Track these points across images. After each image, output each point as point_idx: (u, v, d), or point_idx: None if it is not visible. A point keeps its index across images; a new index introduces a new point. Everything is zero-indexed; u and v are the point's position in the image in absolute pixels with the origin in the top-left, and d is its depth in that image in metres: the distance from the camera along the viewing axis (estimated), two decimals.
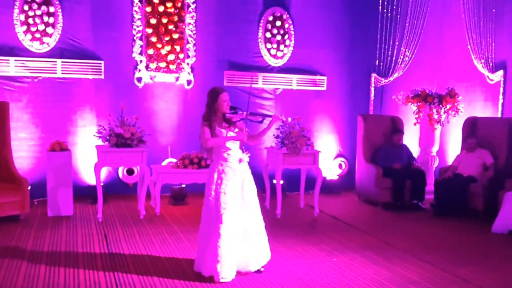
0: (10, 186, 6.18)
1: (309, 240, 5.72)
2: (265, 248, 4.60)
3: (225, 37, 8.09)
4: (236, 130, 4.50)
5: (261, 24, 8.26)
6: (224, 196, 4.36)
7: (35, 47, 7.12)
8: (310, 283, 4.37)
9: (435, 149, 8.63)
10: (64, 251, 5.11)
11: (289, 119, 4.78)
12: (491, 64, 8.58)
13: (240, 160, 4.46)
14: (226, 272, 4.29)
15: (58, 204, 6.48)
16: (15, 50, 7.05)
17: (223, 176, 4.41)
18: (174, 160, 7.22)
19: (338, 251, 5.33)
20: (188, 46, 7.86)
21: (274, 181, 6.99)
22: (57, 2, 7.15)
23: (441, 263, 5.00)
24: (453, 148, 8.78)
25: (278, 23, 8.32)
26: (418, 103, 8.30)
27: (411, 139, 8.63)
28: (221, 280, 4.26)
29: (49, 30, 7.14)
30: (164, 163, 7.53)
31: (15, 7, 6.98)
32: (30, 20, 7.04)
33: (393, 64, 8.86)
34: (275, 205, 6.83)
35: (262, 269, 4.55)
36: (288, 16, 8.39)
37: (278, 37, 8.35)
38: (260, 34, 8.28)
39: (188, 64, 7.88)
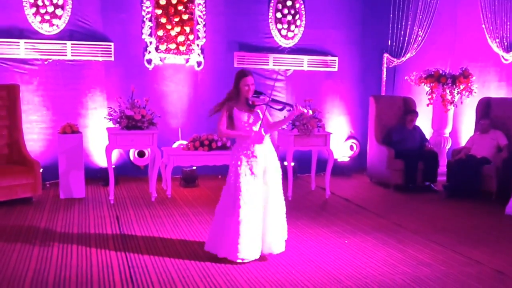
0: (22, 168, 6.21)
1: (320, 222, 5.70)
2: (284, 228, 4.60)
3: (235, 18, 8.00)
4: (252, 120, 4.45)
5: (271, 4, 8.14)
6: (244, 177, 4.34)
7: (45, 29, 7.10)
8: (322, 265, 4.36)
9: (448, 130, 8.53)
10: (77, 233, 5.14)
11: (311, 112, 4.66)
12: (506, 43, 8.43)
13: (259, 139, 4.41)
14: (246, 252, 4.30)
15: (70, 187, 6.51)
16: (25, 32, 7.03)
17: (243, 158, 4.39)
18: (185, 142, 7.21)
19: (350, 233, 5.31)
20: (198, 27, 7.78)
21: (285, 163, 6.96)
22: None
23: (454, 245, 4.96)
24: (467, 129, 8.67)
25: (289, 3, 8.20)
26: (431, 84, 8.18)
27: (423, 120, 8.53)
28: (240, 260, 4.28)
29: (59, 12, 7.10)
30: (175, 145, 7.53)
31: None
32: (39, 2, 7.00)
33: (405, 44, 8.72)
34: (286, 187, 6.79)
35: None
36: None
37: (289, 17, 8.24)
38: (270, 14, 8.17)
39: (198, 45, 7.81)
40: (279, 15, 8.19)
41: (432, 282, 4.03)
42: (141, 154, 7.74)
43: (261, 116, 4.45)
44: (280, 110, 4.51)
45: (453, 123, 8.58)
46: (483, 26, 8.44)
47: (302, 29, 8.35)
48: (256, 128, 4.43)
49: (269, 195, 4.44)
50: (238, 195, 4.32)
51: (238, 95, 4.43)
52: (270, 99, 4.40)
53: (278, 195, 4.50)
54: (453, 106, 8.28)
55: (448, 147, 8.56)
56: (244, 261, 4.31)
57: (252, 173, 4.37)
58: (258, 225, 4.36)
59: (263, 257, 4.46)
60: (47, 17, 7.06)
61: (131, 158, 7.75)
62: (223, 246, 4.36)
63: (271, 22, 8.19)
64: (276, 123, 4.69)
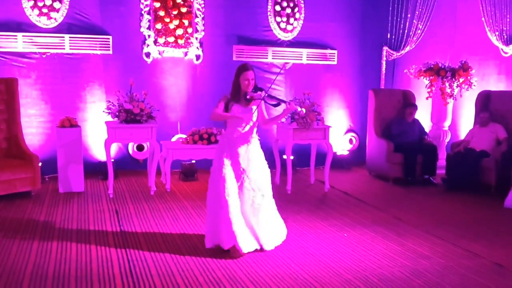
0: (21, 162, 6.20)
1: (319, 215, 5.70)
2: (277, 228, 4.62)
3: (234, 11, 7.96)
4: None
5: None
6: (226, 169, 4.37)
7: (43, 22, 7.06)
8: (321, 258, 4.37)
9: (447, 123, 8.51)
10: (76, 227, 5.14)
11: (304, 110, 4.68)
12: (505, 36, 8.40)
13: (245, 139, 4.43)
14: (243, 242, 4.34)
15: (69, 180, 6.50)
16: (23, 26, 6.99)
17: (226, 151, 4.43)
18: (184, 136, 7.20)
19: (349, 226, 5.32)
20: (196, 20, 7.75)
21: (284, 157, 6.95)
22: None
23: (453, 238, 4.97)
24: (466, 122, 8.66)
25: None
26: (431, 77, 8.15)
27: (423, 114, 8.51)
28: (245, 251, 4.34)
29: (56, 5, 7.06)
30: (174, 139, 7.51)
31: None
32: None
33: (405, 37, 8.68)
34: (286, 181, 6.81)
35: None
36: None
37: (288, 10, 8.20)
38: (269, 7, 8.13)
39: (196, 38, 7.78)
40: (278, 8, 8.15)
41: (431, 275, 4.04)
42: (140, 148, 7.73)
43: (254, 112, 4.44)
44: (275, 106, 4.50)
45: (453, 116, 8.56)
46: (483, 19, 8.41)
47: (301, 22, 8.32)
48: (246, 128, 4.45)
49: (253, 189, 4.43)
50: (223, 188, 4.35)
51: (238, 88, 4.43)
52: (266, 94, 4.40)
53: (262, 191, 4.49)
54: (453, 99, 8.26)
55: (447, 140, 8.55)
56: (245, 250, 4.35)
57: (233, 169, 4.40)
58: (240, 218, 4.38)
59: (260, 250, 4.50)
60: (45, 10, 7.02)
61: (130, 152, 7.74)
62: (225, 237, 4.37)
63: (270, 15, 8.16)
64: (271, 120, 4.72)
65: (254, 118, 4.48)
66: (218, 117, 4.44)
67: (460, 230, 5.29)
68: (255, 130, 4.55)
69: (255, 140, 4.53)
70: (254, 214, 4.45)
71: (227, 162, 4.40)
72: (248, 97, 4.39)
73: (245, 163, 4.44)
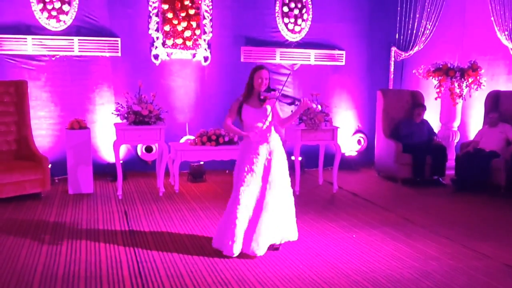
0: (31, 164, 6.25)
1: (328, 216, 5.70)
2: (292, 227, 4.62)
3: (242, 12, 7.98)
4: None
5: None
6: (246, 173, 4.38)
7: (52, 25, 7.12)
8: (330, 259, 4.36)
9: (456, 124, 8.47)
10: (85, 228, 5.17)
11: (319, 106, 4.65)
12: None
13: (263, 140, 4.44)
14: (237, 248, 4.34)
15: (78, 182, 6.55)
16: (32, 29, 7.06)
17: (248, 153, 4.43)
18: (192, 137, 7.22)
19: (358, 227, 5.30)
20: (204, 22, 7.77)
21: (292, 158, 6.95)
22: None
23: (462, 239, 4.94)
24: (475, 122, 8.60)
25: None
26: (439, 77, 8.11)
27: (432, 114, 8.48)
28: (234, 255, 4.33)
29: (65, 7, 7.12)
30: (182, 140, 7.54)
31: None
32: None
33: (413, 38, 8.66)
34: (294, 182, 6.77)
35: (279, 247, 4.55)
36: None
37: (296, 11, 8.21)
38: (277, 8, 8.14)
39: (204, 40, 7.80)
40: (285, 9, 8.16)
41: (440, 276, 4.02)
42: (148, 149, 7.77)
43: (269, 112, 4.45)
44: (289, 104, 4.53)
45: (462, 117, 8.52)
46: (492, 18, 8.35)
47: (309, 23, 8.32)
48: (262, 125, 4.44)
49: (274, 190, 4.42)
50: (238, 191, 4.37)
51: (251, 89, 4.44)
52: (280, 94, 4.40)
53: (285, 189, 4.50)
54: (462, 99, 8.22)
55: (456, 140, 8.50)
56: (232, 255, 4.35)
57: (252, 170, 4.40)
58: (244, 223, 4.37)
59: (276, 247, 4.52)
60: (54, 13, 7.08)
61: (139, 153, 7.78)
62: (220, 237, 4.42)
63: (277, 16, 8.17)
64: (287, 118, 4.68)
65: (270, 118, 4.47)
66: (230, 131, 4.51)
67: (469, 230, 5.26)
68: (272, 128, 4.53)
69: (274, 139, 4.50)
70: (273, 211, 4.41)
71: (247, 166, 4.39)
72: (262, 97, 4.40)
73: (268, 162, 4.42)
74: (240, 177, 4.40)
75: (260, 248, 4.36)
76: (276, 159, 4.48)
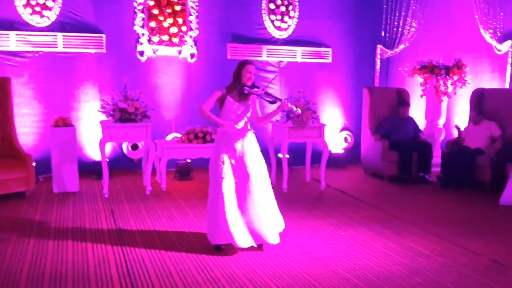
0: (14, 162, 6.14)
1: (316, 214, 5.70)
2: (277, 218, 4.60)
3: (228, 9, 7.94)
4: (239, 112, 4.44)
5: None
6: (223, 166, 4.37)
7: (36, 21, 7.00)
8: (319, 256, 4.36)
9: (441, 121, 8.54)
10: (71, 227, 5.09)
11: (299, 110, 4.66)
12: (499, 34, 8.43)
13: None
14: (239, 239, 4.32)
15: (63, 180, 6.45)
16: (16, 24, 6.93)
17: (223, 147, 4.43)
18: (179, 135, 7.16)
19: (346, 224, 5.31)
20: (190, 18, 7.71)
21: (280, 155, 6.93)
22: None
23: (450, 236, 4.97)
24: (460, 120, 8.69)
25: None
26: (425, 75, 8.18)
27: (417, 111, 8.54)
28: (242, 246, 4.33)
29: (49, 3, 7.00)
30: (169, 138, 7.47)
31: None
32: None
33: (399, 35, 8.70)
34: (281, 179, 6.79)
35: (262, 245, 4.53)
36: None
37: (282, 8, 8.19)
38: (263, 5, 8.12)
39: (191, 37, 7.74)
40: (272, 6, 8.14)
41: (429, 273, 4.04)
42: (134, 147, 7.69)
43: (249, 109, 4.45)
44: (271, 103, 4.54)
45: (447, 114, 8.60)
46: (476, 16, 8.44)
47: (295, 20, 8.31)
48: (241, 123, 4.46)
49: (250, 187, 4.42)
50: (220, 184, 4.35)
51: (238, 82, 4.43)
52: (264, 91, 4.40)
53: (260, 184, 4.48)
54: (447, 97, 8.29)
55: (441, 138, 8.58)
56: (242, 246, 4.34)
57: (230, 162, 4.41)
58: (235, 214, 4.37)
59: (259, 246, 4.47)
60: (37, 8, 6.96)
61: (125, 151, 7.69)
62: (218, 233, 4.38)
63: (264, 13, 8.14)
64: (264, 117, 4.71)
65: (249, 114, 4.48)
66: (205, 116, 4.45)
67: (456, 227, 5.30)
68: (249, 124, 4.54)
69: (250, 134, 4.52)
70: (254, 207, 4.40)
71: (224, 159, 4.40)
72: (245, 92, 4.39)
73: (242, 156, 4.43)
74: (218, 171, 4.38)
75: (269, 235, 4.38)
76: (251, 152, 4.49)
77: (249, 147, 4.48)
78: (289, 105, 4.41)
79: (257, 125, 4.72)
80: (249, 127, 4.54)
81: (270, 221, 4.49)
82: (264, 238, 4.43)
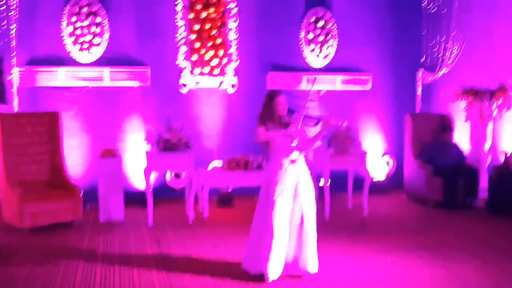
0: (63, 193, 6.35)
1: (360, 241, 5.61)
2: (313, 255, 4.52)
3: (267, 40, 8.08)
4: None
5: (302, 25, 8.20)
6: (277, 194, 4.35)
7: (83, 57, 7.32)
8: (365, 283, 4.28)
9: (487, 146, 8.33)
10: (118, 255, 5.19)
11: (345, 123, 4.60)
12: None
13: (293, 161, 4.41)
14: (273, 271, 4.30)
15: (109, 210, 6.61)
16: (64, 61, 7.27)
17: (276, 177, 4.40)
18: (220, 164, 7.24)
19: (391, 251, 5.20)
20: (230, 50, 7.89)
21: (321, 184, 6.89)
22: (103, 13, 7.32)
23: (501, 263, 4.81)
24: (507, 144, 8.45)
25: (320, 23, 8.24)
26: (468, 99, 8.04)
27: (462, 136, 8.37)
28: (270, 279, 4.28)
29: (96, 40, 7.32)
30: (210, 166, 7.57)
31: (63, 19, 7.19)
32: (78, 31, 7.24)
33: (440, 60, 8.62)
34: (323, 207, 6.74)
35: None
36: (330, 15, 8.30)
37: (321, 38, 8.28)
38: (302, 35, 8.23)
39: (231, 68, 7.91)
40: (310, 35, 8.23)
41: None
42: (177, 176, 7.82)
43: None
44: (315, 125, 4.45)
45: (492, 138, 8.38)
46: None
47: (334, 48, 8.36)
48: (294, 143, 4.43)
49: (302, 212, 4.40)
50: (271, 210, 4.33)
51: (271, 115, 4.43)
52: (304, 115, 4.38)
53: (311, 213, 4.46)
54: (492, 121, 8.10)
55: (487, 163, 8.35)
56: (269, 279, 4.30)
57: (283, 190, 4.37)
58: (284, 243, 4.36)
59: (298, 276, 4.42)
60: (85, 45, 7.29)
61: (168, 180, 7.83)
62: (258, 263, 4.37)
63: (302, 43, 8.24)
64: (312, 139, 4.64)
65: (297, 138, 4.46)
66: (265, 137, 4.38)
67: (506, 254, 5.11)
68: (298, 152, 4.50)
69: (302, 161, 4.50)
70: (305, 237, 4.39)
71: (278, 187, 4.36)
72: (286, 121, 4.39)
73: (297, 185, 4.41)
74: (270, 199, 4.36)
75: (312, 265, 4.39)
76: (304, 180, 4.46)
77: (302, 175, 4.46)
78: (334, 119, 4.34)
79: (307, 148, 4.61)
80: (300, 150, 4.49)
81: (315, 250, 4.45)
82: (306, 267, 4.39)
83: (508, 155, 7.26)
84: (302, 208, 4.41)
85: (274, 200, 4.35)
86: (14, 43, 6.94)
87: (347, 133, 6.68)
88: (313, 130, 4.53)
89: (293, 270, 4.43)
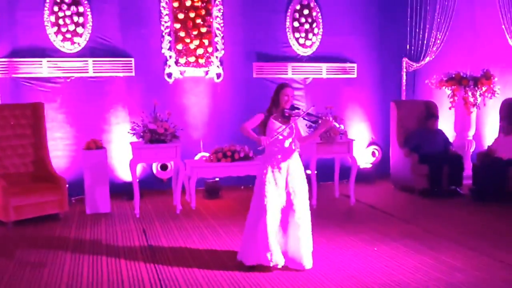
0: (49, 185, 6.28)
1: (347, 229, 5.65)
2: (311, 241, 4.55)
3: (253, 29, 8.03)
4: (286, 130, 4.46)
5: (288, 14, 8.16)
6: (269, 185, 4.38)
7: (67, 47, 7.21)
8: (353, 273, 4.31)
9: (471, 133, 8.42)
10: (105, 247, 5.17)
11: (342, 126, 4.62)
12: None
13: (283, 157, 4.43)
14: (277, 257, 4.33)
15: (96, 202, 6.56)
16: (47, 51, 7.15)
17: (268, 168, 4.43)
18: (207, 154, 7.22)
19: (378, 240, 5.25)
20: (216, 39, 7.83)
21: (308, 172, 6.90)
22: (86, 2, 7.21)
23: (487, 250, 4.87)
24: (491, 131, 8.56)
25: (306, 11, 8.21)
26: (453, 87, 8.10)
27: (446, 124, 8.44)
28: (272, 264, 4.31)
29: (79, 30, 7.21)
30: (197, 157, 7.55)
31: (45, 9, 7.06)
32: (61, 21, 7.12)
33: (424, 48, 8.65)
34: (311, 195, 6.73)
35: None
36: (315, 3, 8.27)
37: (306, 26, 8.25)
38: (287, 23, 8.19)
39: (217, 57, 7.85)
40: (296, 24, 8.20)
41: None
42: (163, 167, 7.78)
43: (293, 129, 4.48)
44: (314, 122, 4.52)
45: (477, 126, 8.47)
46: (503, 26, 8.35)
47: (319, 37, 8.35)
48: (286, 143, 4.47)
49: (294, 207, 4.42)
50: (263, 201, 4.36)
51: (276, 105, 4.48)
52: (306, 112, 4.43)
53: (303, 207, 4.47)
54: (476, 108, 8.18)
55: (472, 150, 8.44)
56: (276, 265, 4.33)
57: (276, 183, 4.40)
58: (275, 232, 4.39)
59: (292, 269, 4.44)
60: (68, 35, 7.17)
61: (154, 171, 7.79)
62: (254, 253, 4.37)
63: (288, 31, 8.21)
64: (307, 136, 4.70)
65: (293, 135, 4.49)
66: (246, 133, 4.46)
67: (492, 240, 5.19)
68: (293, 145, 4.53)
69: (295, 155, 4.52)
70: (295, 230, 4.40)
71: (269, 179, 4.41)
72: (286, 114, 4.42)
73: (287, 177, 4.44)
74: (262, 189, 4.40)
75: (306, 260, 4.37)
76: (296, 173, 4.48)
77: (294, 168, 4.48)
78: (332, 121, 4.39)
79: (302, 144, 4.68)
80: (293, 147, 4.53)
81: (308, 244, 4.47)
82: (301, 262, 4.40)
83: (492, 141, 7.35)
84: (293, 202, 4.41)
85: (266, 191, 4.38)
86: None
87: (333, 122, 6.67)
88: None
89: (291, 264, 4.44)
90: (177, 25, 7.60)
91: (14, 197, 5.89)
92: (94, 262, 4.71)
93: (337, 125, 4.50)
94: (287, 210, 4.43)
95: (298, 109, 4.51)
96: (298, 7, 8.19)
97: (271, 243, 4.32)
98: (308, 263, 4.41)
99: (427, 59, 8.66)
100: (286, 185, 4.44)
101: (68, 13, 7.14)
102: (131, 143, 6.48)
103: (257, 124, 4.50)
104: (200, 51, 7.71)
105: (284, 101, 4.45)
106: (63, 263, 4.70)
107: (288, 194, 4.43)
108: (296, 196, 4.43)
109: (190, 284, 4.12)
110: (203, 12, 7.68)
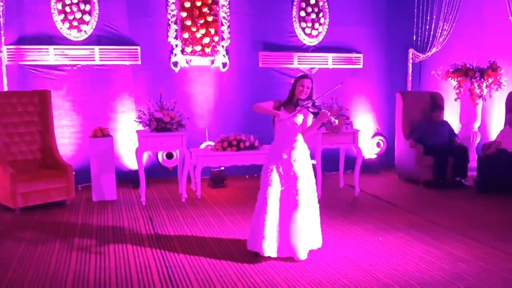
0: (55, 172, 6.33)
1: (352, 220, 5.68)
2: (316, 235, 4.59)
3: (259, 18, 8.01)
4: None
5: (295, 3, 8.14)
6: (273, 174, 4.41)
7: (73, 35, 7.21)
8: (358, 262, 4.35)
9: (477, 124, 8.42)
10: (112, 234, 5.22)
11: (336, 121, 4.61)
12: None
13: (290, 145, 4.46)
14: (269, 248, 4.36)
15: (102, 189, 6.61)
16: (54, 39, 7.16)
17: (273, 156, 4.48)
18: (212, 143, 7.25)
19: (383, 230, 5.28)
20: (222, 28, 7.82)
21: (313, 162, 6.92)
22: None
23: (491, 241, 4.90)
24: (496, 123, 8.54)
25: (313, 1, 8.18)
26: (459, 78, 8.08)
27: (451, 115, 8.44)
28: (266, 255, 4.34)
29: (86, 17, 7.21)
30: (202, 146, 7.58)
31: None
32: (67, 9, 7.12)
33: (431, 39, 8.62)
34: (316, 185, 6.77)
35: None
36: None
37: (313, 16, 8.22)
38: (294, 13, 8.17)
39: (223, 46, 7.85)
40: (302, 13, 8.18)
41: (471, 278, 3.99)
42: (169, 155, 7.81)
43: (301, 120, 4.48)
44: (315, 115, 4.43)
45: (482, 117, 8.46)
46: (510, 18, 8.30)
47: (326, 27, 8.33)
48: (293, 135, 4.48)
49: (298, 197, 4.42)
50: (266, 190, 4.41)
51: (292, 96, 4.50)
52: (312, 103, 4.40)
53: (308, 198, 4.49)
54: (482, 100, 8.17)
55: (477, 141, 8.44)
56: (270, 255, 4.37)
57: (278, 171, 4.44)
58: (274, 221, 4.40)
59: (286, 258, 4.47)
60: (75, 23, 7.18)
61: (160, 160, 7.83)
62: (251, 238, 4.47)
63: (295, 21, 8.19)
64: (307, 129, 4.66)
65: (298, 123, 4.49)
66: (260, 109, 4.48)
67: (496, 232, 5.21)
68: (298, 135, 4.53)
69: (300, 144, 4.52)
70: (295, 219, 4.40)
71: (273, 167, 4.45)
72: (299, 104, 4.40)
73: (290, 167, 4.44)
74: (266, 178, 4.44)
75: (300, 250, 4.38)
76: (300, 162, 4.48)
77: (298, 157, 4.47)
78: (329, 115, 4.38)
79: (304, 136, 4.64)
80: (298, 138, 4.54)
81: (306, 236, 4.45)
82: (295, 251, 4.40)
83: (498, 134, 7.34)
84: (296, 191, 4.43)
85: (269, 179, 4.41)
86: (2, 21, 6.82)
87: (339, 112, 6.69)
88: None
89: (284, 253, 4.46)
90: (184, 14, 7.59)
91: (22, 184, 5.94)
92: (102, 248, 4.77)
93: (333, 119, 4.46)
94: (288, 200, 4.42)
95: (314, 100, 4.46)
96: None
97: (266, 234, 4.34)
98: (301, 254, 4.40)
99: (434, 50, 8.63)
100: (289, 175, 4.43)
101: (74, 0, 7.13)
102: (137, 131, 6.51)
103: (267, 105, 4.48)
104: (206, 40, 7.70)
105: (298, 91, 4.44)
106: (71, 249, 4.75)
107: (291, 185, 4.43)
108: (299, 187, 4.42)
109: (196, 272, 4.16)
110: (209, 0, 7.67)
